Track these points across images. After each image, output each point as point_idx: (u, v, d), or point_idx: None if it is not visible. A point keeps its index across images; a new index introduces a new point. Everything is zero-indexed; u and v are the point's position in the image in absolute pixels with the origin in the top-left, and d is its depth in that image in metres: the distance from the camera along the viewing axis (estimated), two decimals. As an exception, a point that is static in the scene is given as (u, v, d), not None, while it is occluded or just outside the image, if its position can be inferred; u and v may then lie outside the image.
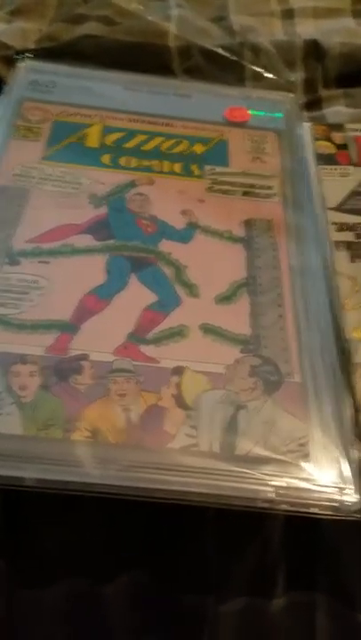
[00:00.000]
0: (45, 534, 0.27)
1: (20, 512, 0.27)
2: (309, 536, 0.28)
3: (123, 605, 0.28)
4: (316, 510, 0.26)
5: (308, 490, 0.26)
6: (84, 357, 0.29)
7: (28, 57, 0.46)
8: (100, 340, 0.29)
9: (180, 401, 0.28)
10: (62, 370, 0.28)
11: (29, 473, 0.24)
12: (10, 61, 0.46)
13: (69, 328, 0.30)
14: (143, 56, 0.49)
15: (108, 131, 0.41)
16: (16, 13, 0.53)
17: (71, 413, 0.26)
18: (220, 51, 0.50)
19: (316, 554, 0.28)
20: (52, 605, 0.28)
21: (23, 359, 0.28)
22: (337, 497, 0.26)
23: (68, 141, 0.40)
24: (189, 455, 0.26)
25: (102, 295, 0.31)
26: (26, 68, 0.45)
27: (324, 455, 0.27)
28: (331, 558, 0.28)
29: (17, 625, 0.28)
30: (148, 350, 0.29)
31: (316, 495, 0.26)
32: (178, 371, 0.29)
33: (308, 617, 0.29)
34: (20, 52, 0.46)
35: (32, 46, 0.49)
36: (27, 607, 0.28)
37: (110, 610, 0.28)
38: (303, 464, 0.27)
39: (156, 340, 0.30)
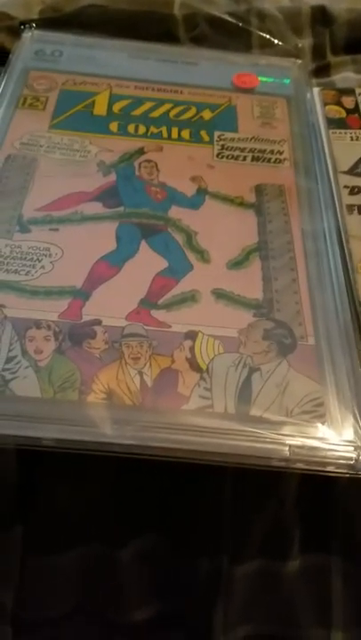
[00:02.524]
0: (60, 499, 0.27)
1: (35, 478, 0.27)
2: (324, 498, 0.28)
3: (138, 569, 0.28)
4: (331, 469, 0.26)
5: (324, 449, 0.26)
6: (97, 322, 0.29)
7: (32, 27, 0.45)
8: (112, 305, 0.29)
9: (193, 364, 0.28)
10: (76, 334, 0.28)
11: (47, 433, 0.25)
12: (14, 32, 0.45)
13: (81, 294, 0.30)
14: (148, 25, 0.48)
15: (115, 98, 0.40)
16: (19, -16, 0.52)
17: (86, 376, 0.27)
18: (226, 17, 0.49)
19: (330, 516, 0.28)
20: (67, 570, 0.28)
21: (37, 324, 0.28)
22: (353, 455, 0.26)
23: (75, 110, 0.39)
24: (204, 416, 0.26)
25: (113, 262, 0.31)
26: (31, 38, 0.44)
27: (339, 415, 0.27)
28: (346, 520, 0.28)
29: (31, 590, 0.28)
30: (159, 315, 0.29)
31: (331, 454, 0.26)
32: (191, 335, 0.29)
33: (323, 579, 0.29)
34: (25, 23, 0.46)
35: (36, 17, 0.49)
36: (41, 572, 0.28)
37: (125, 574, 0.28)
38: (318, 424, 0.27)
39: (168, 306, 0.30)
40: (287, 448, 0.25)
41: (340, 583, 0.29)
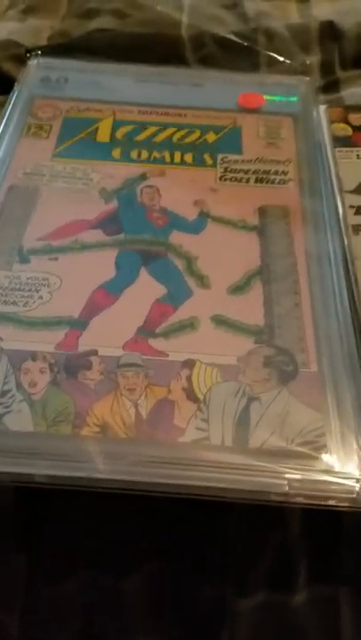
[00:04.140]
0: (63, 528, 0.27)
1: (37, 506, 0.27)
2: (330, 528, 0.27)
3: (141, 599, 0.28)
4: (333, 503, 0.25)
5: (324, 482, 0.25)
6: (93, 353, 0.28)
7: (38, 54, 0.46)
8: (110, 334, 0.29)
9: (190, 394, 0.27)
10: (71, 366, 0.28)
11: (39, 469, 0.24)
12: (21, 60, 0.46)
13: (78, 324, 0.30)
14: (156, 47, 0.48)
15: (118, 124, 0.40)
16: (28, 11, 0.53)
17: (80, 409, 0.26)
18: (232, 37, 0.49)
19: (337, 546, 0.27)
20: (71, 599, 0.28)
21: (33, 356, 0.28)
22: (355, 488, 0.25)
23: (78, 137, 0.40)
24: (200, 449, 0.26)
25: (112, 290, 0.31)
26: (37, 66, 0.45)
27: (341, 446, 0.26)
28: (353, 550, 0.27)
29: (36, 618, 0.28)
30: (157, 344, 0.29)
31: (332, 487, 0.25)
32: (188, 364, 0.28)
33: (332, 611, 0.28)
34: (31, 50, 0.46)
35: (44, 44, 0.49)
36: (45, 601, 0.28)
37: (129, 603, 0.28)
38: (319, 455, 0.26)
39: (166, 334, 0.29)
40: (286, 482, 0.25)
41: (349, 614, 0.28)
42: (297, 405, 0.27)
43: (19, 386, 0.27)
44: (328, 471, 0.25)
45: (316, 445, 0.26)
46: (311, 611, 0.28)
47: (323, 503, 0.25)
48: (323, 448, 0.26)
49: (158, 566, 0.28)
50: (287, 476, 0.25)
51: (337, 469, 0.25)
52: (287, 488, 0.25)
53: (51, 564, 0.28)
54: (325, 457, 0.26)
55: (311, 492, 0.25)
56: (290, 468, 0.25)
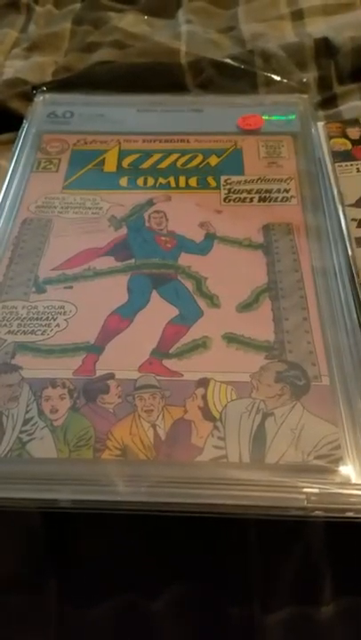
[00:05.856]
0: (91, 552, 0.28)
1: (65, 531, 0.28)
2: (353, 539, 0.28)
3: (170, 619, 0.28)
4: (351, 514, 0.25)
5: (341, 494, 0.25)
6: (111, 377, 0.29)
7: (44, 91, 0.48)
8: (125, 358, 0.30)
9: (206, 413, 0.28)
10: (90, 390, 0.29)
11: (63, 495, 0.25)
12: (28, 97, 0.48)
13: (95, 349, 0.31)
14: (156, 76, 0.50)
15: (124, 154, 0.42)
16: (32, 49, 0.55)
17: (100, 433, 0.27)
18: (229, 61, 0.50)
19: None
20: (101, 622, 0.28)
21: (53, 383, 0.29)
22: (373, 499, 0.25)
23: (86, 169, 0.41)
24: (219, 467, 0.26)
25: (125, 314, 0.32)
26: (43, 102, 0.46)
27: (356, 457, 0.27)
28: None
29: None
30: (171, 364, 0.30)
31: (350, 499, 0.25)
32: (203, 382, 0.29)
33: (359, 621, 0.28)
34: (37, 87, 0.48)
35: (49, 79, 0.51)
36: (76, 624, 0.28)
37: (158, 624, 0.28)
38: (336, 468, 0.26)
39: (180, 354, 0.30)
40: (304, 497, 0.25)
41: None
42: (311, 419, 0.28)
43: (40, 413, 0.28)
44: (345, 483, 0.26)
45: (332, 458, 0.27)
46: (339, 622, 0.28)
47: (341, 515, 0.25)
48: (339, 460, 0.26)
49: (185, 586, 0.28)
50: (305, 490, 0.25)
51: (354, 481, 0.26)
52: (306, 502, 0.25)
53: (80, 589, 0.28)
54: (342, 469, 0.26)
55: (329, 504, 0.25)
56: (307, 482, 0.26)
